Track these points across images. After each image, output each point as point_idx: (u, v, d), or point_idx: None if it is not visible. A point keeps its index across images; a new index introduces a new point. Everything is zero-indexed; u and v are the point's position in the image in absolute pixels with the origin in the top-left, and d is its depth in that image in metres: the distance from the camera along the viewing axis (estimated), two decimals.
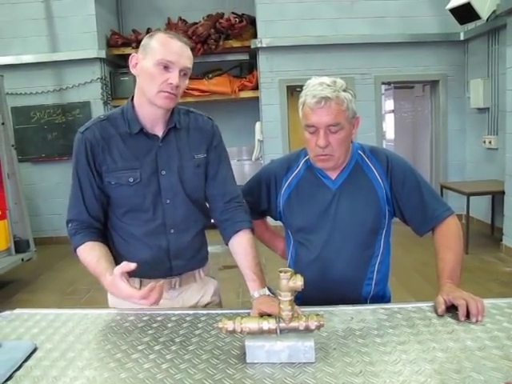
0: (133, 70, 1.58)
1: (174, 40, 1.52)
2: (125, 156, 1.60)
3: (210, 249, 1.85)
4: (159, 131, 1.63)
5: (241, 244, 1.63)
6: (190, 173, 1.65)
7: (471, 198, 5.61)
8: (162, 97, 1.53)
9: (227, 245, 1.68)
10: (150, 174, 1.61)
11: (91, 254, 1.56)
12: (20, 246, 5.26)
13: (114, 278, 1.39)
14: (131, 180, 1.59)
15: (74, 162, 1.62)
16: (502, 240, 5.60)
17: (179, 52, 1.51)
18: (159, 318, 1.51)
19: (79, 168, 1.61)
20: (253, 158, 7.29)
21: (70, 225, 1.64)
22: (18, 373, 1.20)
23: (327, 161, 1.65)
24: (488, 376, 1.08)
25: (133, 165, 1.59)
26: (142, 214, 1.63)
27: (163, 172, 1.62)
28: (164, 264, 1.67)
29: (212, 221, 1.76)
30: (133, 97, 1.64)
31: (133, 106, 1.62)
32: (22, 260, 5.17)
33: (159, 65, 1.50)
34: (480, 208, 6.40)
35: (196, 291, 1.76)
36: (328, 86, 1.57)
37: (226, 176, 1.72)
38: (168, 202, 1.63)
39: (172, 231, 1.65)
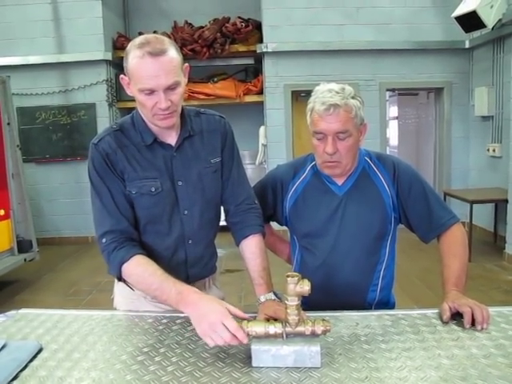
0: (128, 92, 1.51)
1: (145, 60, 1.38)
2: (143, 165, 1.54)
3: None
4: (172, 140, 1.58)
5: (249, 248, 1.62)
6: (208, 179, 1.62)
7: (474, 205, 5.60)
8: (159, 119, 1.47)
9: (238, 246, 1.67)
10: (169, 184, 1.56)
11: (150, 267, 1.44)
12: (23, 246, 5.26)
13: (225, 312, 1.25)
14: (153, 190, 1.54)
15: (95, 172, 1.53)
16: (504, 248, 5.58)
17: (155, 73, 1.39)
18: (164, 321, 1.52)
19: (105, 177, 1.52)
20: (256, 163, 7.30)
21: (104, 240, 1.49)
22: (24, 373, 1.21)
23: (335, 167, 1.66)
24: None
25: (152, 174, 1.54)
26: (161, 226, 1.58)
27: (179, 183, 1.57)
28: (181, 274, 1.60)
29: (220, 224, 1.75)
30: None
31: (141, 117, 1.57)
32: (25, 260, 5.17)
33: (142, 92, 1.42)
34: (483, 216, 6.39)
35: None
36: (337, 93, 1.58)
37: (238, 177, 1.69)
38: (186, 212, 1.59)
39: (190, 242, 1.63)
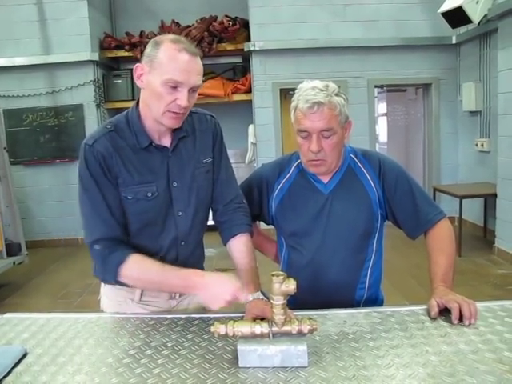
0: (137, 82, 1.47)
1: (182, 54, 1.40)
2: (139, 169, 1.51)
3: None
4: (167, 141, 1.56)
5: (237, 247, 1.61)
6: (201, 179, 1.60)
7: (464, 200, 5.62)
8: (169, 117, 1.45)
9: (225, 246, 1.66)
10: (165, 186, 1.54)
11: (149, 261, 1.46)
12: (11, 249, 5.21)
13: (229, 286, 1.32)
14: (149, 195, 1.51)
15: (88, 176, 1.47)
16: (494, 242, 5.61)
17: (188, 69, 1.41)
18: (151, 322, 1.50)
19: (99, 182, 1.47)
20: (246, 161, 7.28)
21: (97, 246, 1.48)
22: (8, 378, 1.19)
23: (320, 166, 1.65)
24: (481, 379, 1.08)
25: (148, 178, 1.51)
26: (155, 228, 1.56)
27: (175, 184, 1.55)
28: None
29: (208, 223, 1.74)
30: (138, 101, 1.55)
31: (138, 116, 1.53)
32: (14, 263, 5.13)
33: (166, 84, 1.40)
34: (472, 211, 6.42)
35: (192, 301, 1.72)
36: (320, 90, 1.57)
37: (227, 177, 1.68)
38: (180, 213, 1.58)
39: (183, 243, 1.61)
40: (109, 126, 1.53)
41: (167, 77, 1.39)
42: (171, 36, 1.46)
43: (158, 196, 1.53)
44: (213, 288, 1.35)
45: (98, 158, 1.47)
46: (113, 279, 1.49)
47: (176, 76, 1.40)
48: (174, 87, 1.41)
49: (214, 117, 1.70)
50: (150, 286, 1.55)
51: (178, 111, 1.44)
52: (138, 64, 1.47)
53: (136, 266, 1.47)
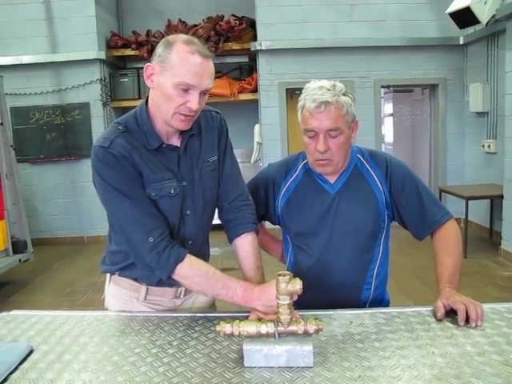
0: (147, 81, 1.45)
1: (194, 56, 1.37)
2: (158, 166, 1.49)
3: None
4: (176, 141, 1.54)
5: (243, 247, 1.60)
6: (207, 178, 1.59)
7: (470, 202, 5.61)
8: (179, 119, 1.43)
9: (231, 243, 1.66)
10: (179, 185, 1.52)
11: (209, 267, 1.46)
12: (18, 246, 5.24)
13: None
14: (172, 191, 1.50)
15: (116, 176, 1.43)
16: (500, 244, 5.59)
17: (200, 72, 1.38)
18: (156, 321, 1.50)
19: (129, 179, 1.44)
20: (251, 161, 7.28)
21: (152, 238, 1.42)
22: (14, 375, 1.19)
23: (326, 165, 1.64)
24: (488, 382, 1.08)
25: (168, 175, 1.50)
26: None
27: (184, 183, 1.54)
28: None
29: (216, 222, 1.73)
30: (146, 100, 1.53)
31: (148, 116, 1.51)
32: (20, 261, 5.16)
33: (178, 87, 1.38)
34: (479, 212, 6.39)
35: (196, 301, 1.72)
36: (328, 90, 1.56)
37: (232, 173, 1.66)
38: (188, 212, 1.57)
39: (190, 243, 1.59)
40: (120, 128, 1.49)
41: (179, 79, 1.37)
42: (184, 36, 1.43)
43: (179, 193, 1.52)
44: (268, 296, 1.30)
45: (119, 158, 1.43)
46: (166, 276, 1.44)
47: (188, 79, 1.37)
48: (186, 90, 1.39)
49: (219, 113, 1.69)
50: (208, 291, 1.49)
51: (188, 114, 1.43)
52: (148, 64, 1.45)
53: (199, 268, 1.45)
